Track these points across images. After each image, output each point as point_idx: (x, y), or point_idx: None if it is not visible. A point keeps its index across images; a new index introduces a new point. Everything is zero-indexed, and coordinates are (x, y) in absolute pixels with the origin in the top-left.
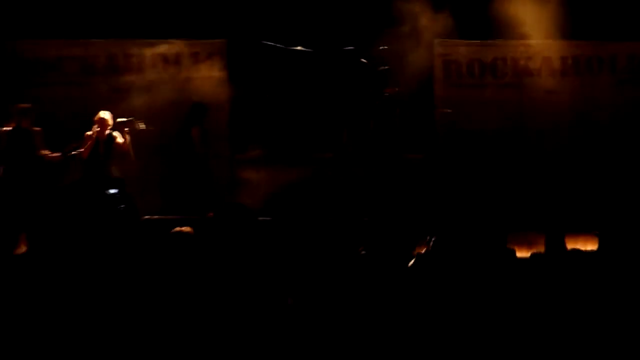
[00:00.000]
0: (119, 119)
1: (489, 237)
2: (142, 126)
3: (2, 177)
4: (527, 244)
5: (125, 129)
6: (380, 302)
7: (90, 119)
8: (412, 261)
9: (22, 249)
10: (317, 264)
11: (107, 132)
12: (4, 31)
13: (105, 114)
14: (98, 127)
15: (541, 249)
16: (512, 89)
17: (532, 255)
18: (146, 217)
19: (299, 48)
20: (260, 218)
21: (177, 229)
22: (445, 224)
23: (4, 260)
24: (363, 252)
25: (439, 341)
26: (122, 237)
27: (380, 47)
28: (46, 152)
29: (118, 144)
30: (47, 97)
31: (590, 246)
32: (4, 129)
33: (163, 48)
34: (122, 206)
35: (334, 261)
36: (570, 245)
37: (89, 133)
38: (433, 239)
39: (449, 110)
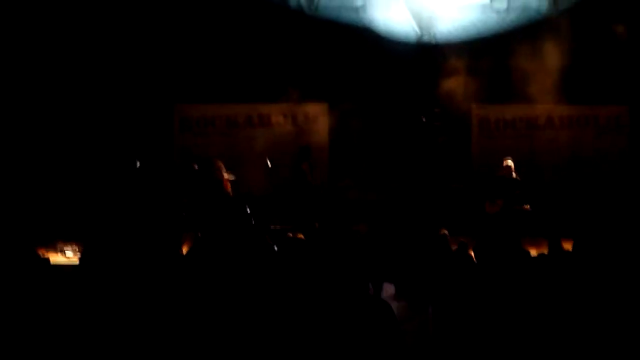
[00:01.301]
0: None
1: (510, 242)
2: (269, 164)
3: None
4: (535, 247)
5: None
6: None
7: (233, 160)
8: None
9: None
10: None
11: None
12: (175, 96)
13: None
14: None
15: (544, 250)
16: (525, 138)
17: (539, 255)
18: (272, 226)
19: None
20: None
21: (291, 234)
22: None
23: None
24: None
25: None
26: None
27: (435, 109)
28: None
29: None
30: (203, 143)
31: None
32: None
33: (280, 109)
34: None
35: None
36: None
37: None
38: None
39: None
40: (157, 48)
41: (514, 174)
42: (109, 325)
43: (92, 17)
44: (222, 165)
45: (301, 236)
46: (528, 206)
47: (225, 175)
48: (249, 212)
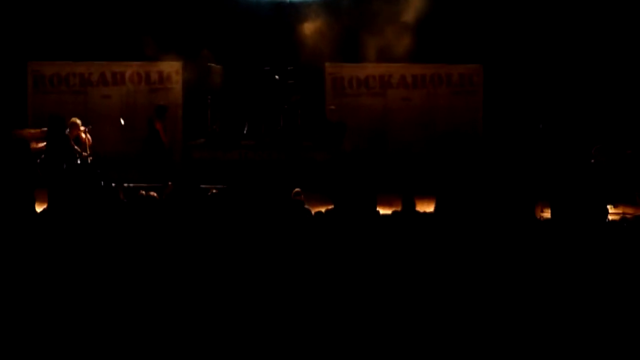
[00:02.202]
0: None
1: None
2: (122, 122)
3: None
4: (389, 205)
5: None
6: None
7: (87, 119)
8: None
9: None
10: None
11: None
12: (27, 54)
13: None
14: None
15: (398, 208)
16: (379, 97)
17: (393, 212)
18: (125, 184)
19: (233, 68)
20: (203, 186)
21: (144, 192)
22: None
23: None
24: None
25: None
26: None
27: (289, 68)
28: (78, 149)
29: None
30: (55, 102)
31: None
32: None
33: (136, 67)
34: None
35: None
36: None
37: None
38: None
39: (333, 107)
40: (9, 4)
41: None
42: None
43: None
44: (77, 122)
45: (154, 194)
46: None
47: (81, 133)
48: (98, 170)
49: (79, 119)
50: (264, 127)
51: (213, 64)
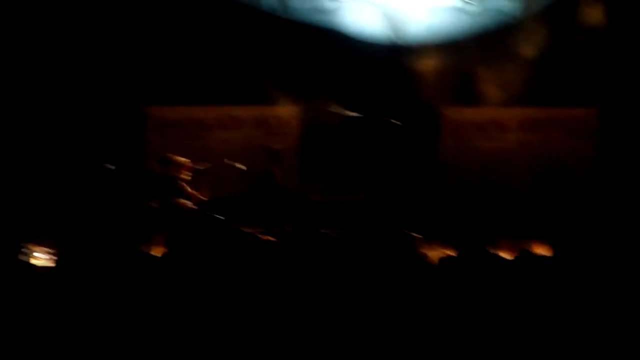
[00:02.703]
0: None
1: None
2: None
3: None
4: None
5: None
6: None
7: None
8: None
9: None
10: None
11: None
12: (144, 98)
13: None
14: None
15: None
16: (496, 141)
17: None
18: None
19: (350, 113)
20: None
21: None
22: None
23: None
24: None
25: None
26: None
27: (406, 112)
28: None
29: None
30: (173, 146)
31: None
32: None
33: (252, 111)
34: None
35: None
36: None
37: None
38: None
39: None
40: (127, 49)
41: None
42: (88, 326)
43: (65, 17)
44: (184, 162)
45: (271, 238)
46: None
47: (184, 175)
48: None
49: (196, 162)
50: (381, 171)
51: (330, 108)
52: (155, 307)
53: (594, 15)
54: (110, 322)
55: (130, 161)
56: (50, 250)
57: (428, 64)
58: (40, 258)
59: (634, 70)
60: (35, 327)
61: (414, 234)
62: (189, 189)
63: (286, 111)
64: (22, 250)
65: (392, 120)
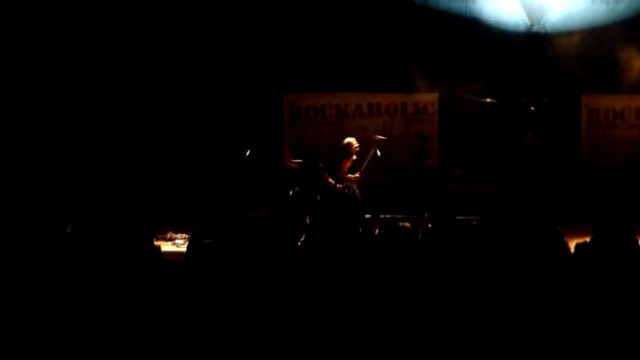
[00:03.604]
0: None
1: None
2: (378, 153)
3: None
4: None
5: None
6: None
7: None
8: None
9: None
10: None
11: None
12: (283, 85)
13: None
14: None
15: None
16: (635, 129)
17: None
18: (381, 215)
19: (488, 100)
20: (459, 217)
21: (400, 224)
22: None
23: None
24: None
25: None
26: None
27: (544, 99)
28: (330, 180)
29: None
30: (312, 134)
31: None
32: (296, 162)
33: (391, 98)
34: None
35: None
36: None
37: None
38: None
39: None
40: (267, 37)
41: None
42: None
43: (205, 8)
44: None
45: (408, 225)
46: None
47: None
48: (353, 202)
49: (335, 149)
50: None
51: (469, 95)
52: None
53: None
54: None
55: (270, 149)
56: (186, 236)
57: (566, 52)
58: (180, 244)
59: None
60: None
61: (551, 221)
62: (328, 178)
63: (425, 98)
64: (162, 236)
65: (531, 108)
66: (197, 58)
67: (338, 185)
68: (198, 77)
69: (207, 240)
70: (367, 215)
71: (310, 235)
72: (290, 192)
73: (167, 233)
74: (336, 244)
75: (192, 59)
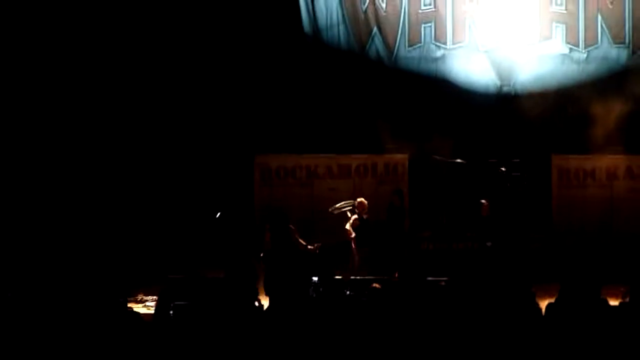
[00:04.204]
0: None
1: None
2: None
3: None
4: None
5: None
6: None
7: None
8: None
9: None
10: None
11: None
12: (254, 147)
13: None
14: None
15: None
16: (605, 189)
17: (620, 303)
18: (352, 277)
19: (458, 160)
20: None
21: (372, 285)
22: None
23: None
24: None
25: None
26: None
27: (514, 160)
28: (302, 242)
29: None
30: (282, 194)
31: None
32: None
33: (361, 159)
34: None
35: None
36: None
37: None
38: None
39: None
40: (238, 99)
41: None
42: None
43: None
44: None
45: (378, 286)
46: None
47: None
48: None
49: (302, 210)
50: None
51: (439, 156)
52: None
53: None
54: None
55: (240, 210)
56: (156, 298)
57: (536, 112)
58: (150, 306)
59: None
60: None
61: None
62: (298, 239)
63: (395, 159)
64: (132, 298)
65: (502, 169)
66: (167, 121)
67: (309, 247)
68: (169, 139)
69: (176, 303)
70: (337, 277)
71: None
72: (218, 215)
73: (137, 295)
74: (287, 305)
75: (162, 122)
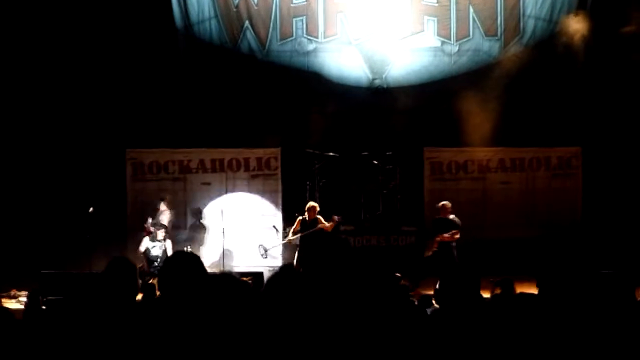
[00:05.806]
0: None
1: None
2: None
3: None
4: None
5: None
6: None
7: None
8: None
9: None
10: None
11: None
12: (125, 141)
13: (314, 204)
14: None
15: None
16: (479, 181)
17: (493, 296)
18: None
19: (331, 154)
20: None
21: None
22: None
23: None
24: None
25: None
26: None
27: (387, 153)
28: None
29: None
30: (155, 189)
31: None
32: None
33: (233, 154)
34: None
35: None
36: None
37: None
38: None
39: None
40: (108, 93)
41: (450, 216)
42: None
43: (43, 61)
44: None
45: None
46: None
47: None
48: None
49: (173, 204)
50: (362, 213)
51: (311, 150)
52: None
53: (574, 54)
54: None
55: (112, 205)
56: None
57: (408, 105)
58: (23, 302)
59: (615, 108)
60: None
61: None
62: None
63: (268, 153)
64: (5, 294)
65: (374, 162)
66: (38, 115)
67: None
68: (40, 134)
69: (49, 298)
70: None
71: None
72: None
73: (10, 290)
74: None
75: (33, 117)
